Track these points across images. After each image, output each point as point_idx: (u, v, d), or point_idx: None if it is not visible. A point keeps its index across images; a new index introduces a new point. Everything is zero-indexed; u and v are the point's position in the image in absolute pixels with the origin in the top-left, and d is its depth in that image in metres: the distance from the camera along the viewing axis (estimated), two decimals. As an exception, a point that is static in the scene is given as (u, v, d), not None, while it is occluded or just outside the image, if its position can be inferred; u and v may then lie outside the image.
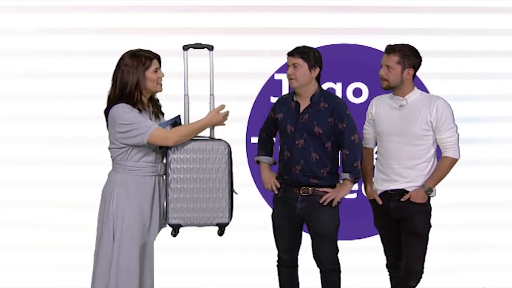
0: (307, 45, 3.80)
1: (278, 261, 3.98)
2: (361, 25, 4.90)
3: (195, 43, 3.57)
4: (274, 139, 4.04)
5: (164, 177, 3.52)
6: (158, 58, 3.48)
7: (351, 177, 3.75)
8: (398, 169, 3.76)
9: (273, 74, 4.92)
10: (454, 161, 3.75)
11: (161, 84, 3.48)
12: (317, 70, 3.76)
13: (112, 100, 3.43)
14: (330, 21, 4.89)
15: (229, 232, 3.53)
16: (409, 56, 3.71)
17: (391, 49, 3.74)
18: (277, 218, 3.91)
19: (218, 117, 3.51)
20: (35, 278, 4.87)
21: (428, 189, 3.73)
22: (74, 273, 4.62)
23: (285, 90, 4.87)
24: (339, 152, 3.81)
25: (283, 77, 4.81)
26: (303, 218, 3.82)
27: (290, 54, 3.77)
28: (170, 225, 3.48)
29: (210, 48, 3.55)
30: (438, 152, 3.81)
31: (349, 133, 3.72)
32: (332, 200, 3.74)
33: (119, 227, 3.38)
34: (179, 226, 3.47)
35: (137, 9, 4.90)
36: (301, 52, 3.73)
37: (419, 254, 3.76)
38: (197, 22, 4.88)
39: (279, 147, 3.91)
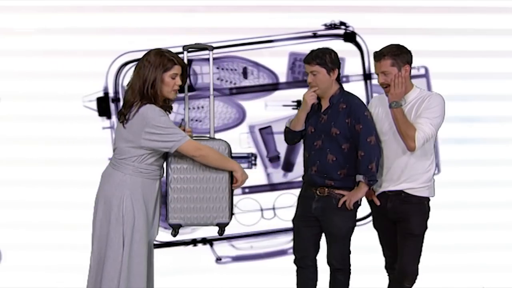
0: (321, 47, 3.72)
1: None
2: (361, 25, 4.90)
3: (195, 43, 3.57)
4: None
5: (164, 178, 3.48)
6: (182, 65, 3.36)
7: (365, 180, 3.67)
8: (395, 169, 3.70)
9: None
10: (411, 142, 3.53)
11: (175, 91, 3.36)
12: (336, 71, 3.71)
13: (132, 97, 3.28)
14: (330, 21, 4.89)
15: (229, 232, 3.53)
16: (399, 55, 3.63)
17: (380, 55, 3.64)
18: (295, 216, 3.89)
19: (244, 175, 3.43)
20: (34, 278, 4.87)
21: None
22: (69, 273, 4.63)
23: None
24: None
25: None
26: (318, 218, 3.78)
27: (306, 61, 3.70)
28: (170, 225, 3.46)
29: (210, 48, 3.55)
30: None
31: (366, 135, 3.65)
32: (347, 202, 3.71)
33: (129, 232, 3.27)
34: (179, 226, 3.46)
35: (137, 9, 4.89)
36: (316, 58, 3.67)
37: (413, 256, 3.71)
38: (197, 22, 4.88)
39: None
